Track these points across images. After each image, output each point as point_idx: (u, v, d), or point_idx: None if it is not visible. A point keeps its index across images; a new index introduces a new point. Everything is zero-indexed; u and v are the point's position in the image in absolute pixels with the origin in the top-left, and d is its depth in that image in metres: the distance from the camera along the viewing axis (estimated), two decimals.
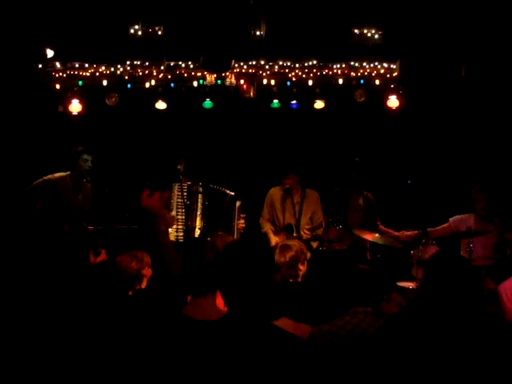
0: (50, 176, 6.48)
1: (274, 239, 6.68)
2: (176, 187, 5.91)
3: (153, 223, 5.54)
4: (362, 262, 4.93)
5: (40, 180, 6.47)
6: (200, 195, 5.81)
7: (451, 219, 6.83)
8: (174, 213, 5.81)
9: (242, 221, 5.96)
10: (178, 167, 5.86)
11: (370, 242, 6.66)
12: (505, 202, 6.86)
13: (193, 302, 3.00)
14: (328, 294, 3.72)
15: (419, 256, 6.20)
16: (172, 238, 5.84)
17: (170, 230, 5.83)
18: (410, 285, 5.85)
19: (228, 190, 6.02)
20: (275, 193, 6.89)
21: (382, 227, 7.21)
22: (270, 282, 2.30)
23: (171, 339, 2.54)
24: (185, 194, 5.75)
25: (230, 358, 2.11)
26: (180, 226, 5.79)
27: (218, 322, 2.31)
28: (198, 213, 5.76)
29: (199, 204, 5.83)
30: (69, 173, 6.57)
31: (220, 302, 2.50)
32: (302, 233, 6.63)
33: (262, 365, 2.08)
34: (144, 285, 4.29)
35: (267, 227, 6.85)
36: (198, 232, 5.72)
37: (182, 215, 5.74)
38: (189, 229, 5.68)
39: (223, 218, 5.87)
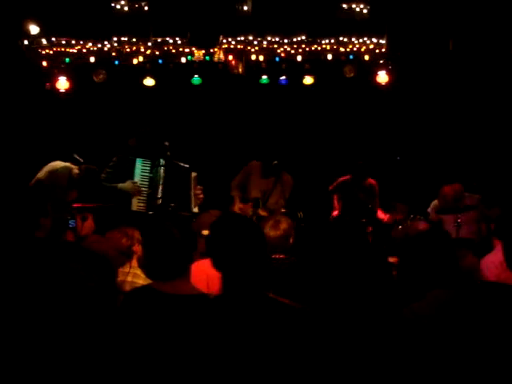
0: None
1: (238, 206, 6.87)
2: (140, 162, 6.17)
3: None
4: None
5: None
6: (162, 168, 6.10)
7: (432, 204, 6.82)
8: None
9: (200, 192, 6.09)
10: (130, 143, 6.07)
11: None
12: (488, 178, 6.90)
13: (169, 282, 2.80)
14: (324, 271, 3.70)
15: (408, 231, 6.23)
16: (134, 208, 6.13)
17: (132, 200, 6.12)
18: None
19: (183, 163, 6.19)
20: (256, 166, 7.00)
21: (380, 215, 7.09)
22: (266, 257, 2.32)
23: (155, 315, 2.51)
24: (148, 167, 6.03)
25: (232, 333, 2.12)
26: (142, 197, 6.09)
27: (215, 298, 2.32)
28: (161, 182, 6.09)
29: (161, 176, 6.13)
30: None
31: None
32: (262, 210, 6.71)
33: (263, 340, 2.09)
34: (135, 263, 4.24)
35: (235, 193, 7.00)
36: (159, 201, 6.05)
37: (145, 188, 6.04)
38: (152, 198, 6.01)
39: (180, 188, 6.08)
